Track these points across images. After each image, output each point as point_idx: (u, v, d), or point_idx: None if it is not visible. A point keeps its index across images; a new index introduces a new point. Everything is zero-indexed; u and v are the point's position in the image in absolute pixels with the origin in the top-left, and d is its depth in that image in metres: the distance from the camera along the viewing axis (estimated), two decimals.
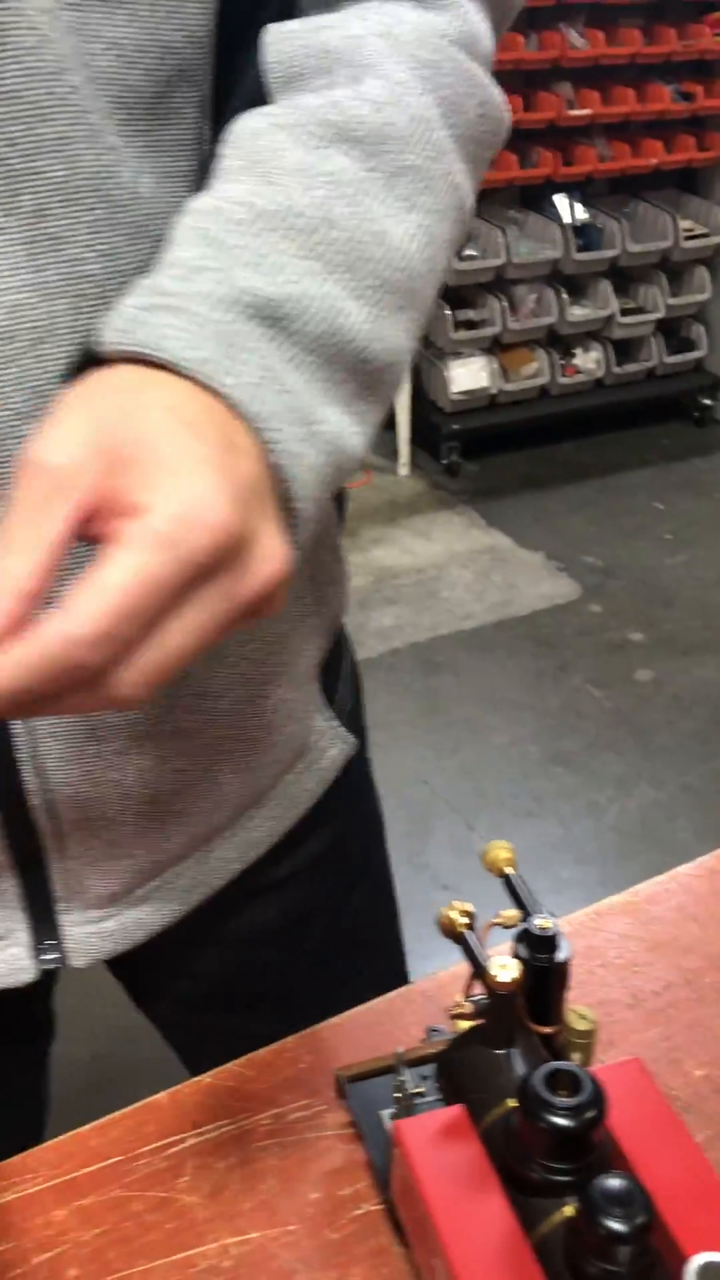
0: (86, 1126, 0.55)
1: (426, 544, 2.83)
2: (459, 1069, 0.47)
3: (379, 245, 0.43)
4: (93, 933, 0.57)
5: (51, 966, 0.57)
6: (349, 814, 0.69)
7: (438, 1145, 0.44)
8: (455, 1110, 0.45)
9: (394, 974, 0.76)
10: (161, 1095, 0.57)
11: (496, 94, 0.49)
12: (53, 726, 0.50)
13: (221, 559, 0.36)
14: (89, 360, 0.40)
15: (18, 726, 0.49)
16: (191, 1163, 0.54)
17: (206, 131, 0.49)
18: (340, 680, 0.67)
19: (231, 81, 0.49)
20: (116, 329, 0.39)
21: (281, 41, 0.47)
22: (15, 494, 0.37)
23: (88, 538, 0.37)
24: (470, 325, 3.06)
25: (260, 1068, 0.58)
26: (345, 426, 0.41)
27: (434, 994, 0.62)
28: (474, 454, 3.16)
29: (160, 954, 0.61)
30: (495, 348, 3.11)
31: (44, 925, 0.56)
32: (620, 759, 2.17)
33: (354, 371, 0.42)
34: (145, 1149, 0.54)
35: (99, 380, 0.39)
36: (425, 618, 2.55)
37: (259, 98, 0.47)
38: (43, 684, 0.34)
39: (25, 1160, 0.54)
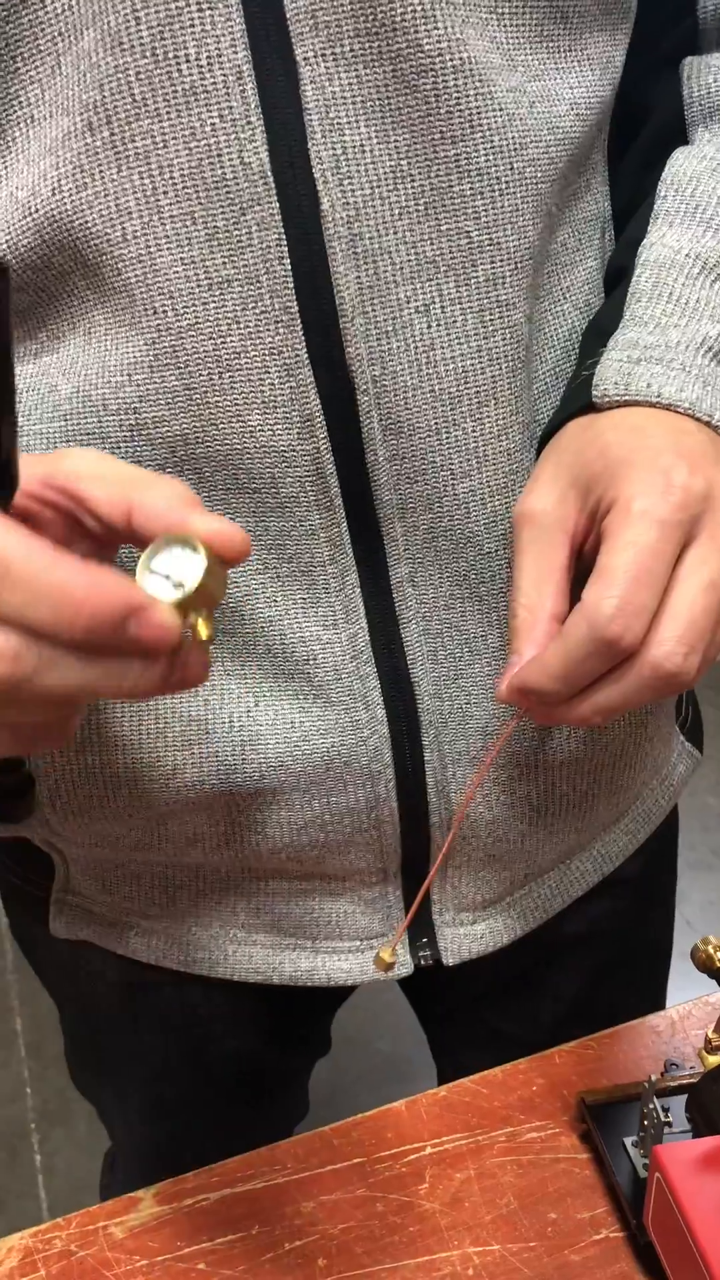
0: (328, 1127, 0.58)
1: None
2: (715, 1100, 0.48)
3: None
4: (464, 934, 0.59)
5: (426, 964, 0.60)
6: (664, 842, 0.71)
7: (700, 1172, 0.44)
8: (718, 1140, 0.45)
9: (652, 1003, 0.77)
10: (399, 1104, 0.59)
11: None
12: (458, 755, 0.53)
13: (697, 512, 0.42)
14: (568, 413, 0.48)
15: (431, 754, 0.53)
16: (430, 1171, 0.55)
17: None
18: (682, 694, 0.68)
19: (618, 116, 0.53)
20: (613, 381, 0.46)
21: (704, 75, 0.52)
22: (519, 541, 0.46)
23: (586, 551, 0.45)
24: None
25: (494, 1087, 0.59)
26: None
27: (663, 1030, 0.62)
28: None
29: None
30: None
31: (421, 927, 0.59)
32: None
33: None
34: (385, 1153, 0.56)
35: (579, 431, 0.46)
36: None
37: (675, 128, 0.52)
38: (581, 666, 0.41)
39: (273, 1152, 0.56)
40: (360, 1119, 0.58)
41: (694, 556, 0.43)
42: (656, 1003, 0.77)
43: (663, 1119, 0.49)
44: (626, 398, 0.46)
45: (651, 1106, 0.50)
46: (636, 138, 0.55)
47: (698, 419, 0.46)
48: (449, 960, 0.60)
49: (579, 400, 0.48)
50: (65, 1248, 0.53)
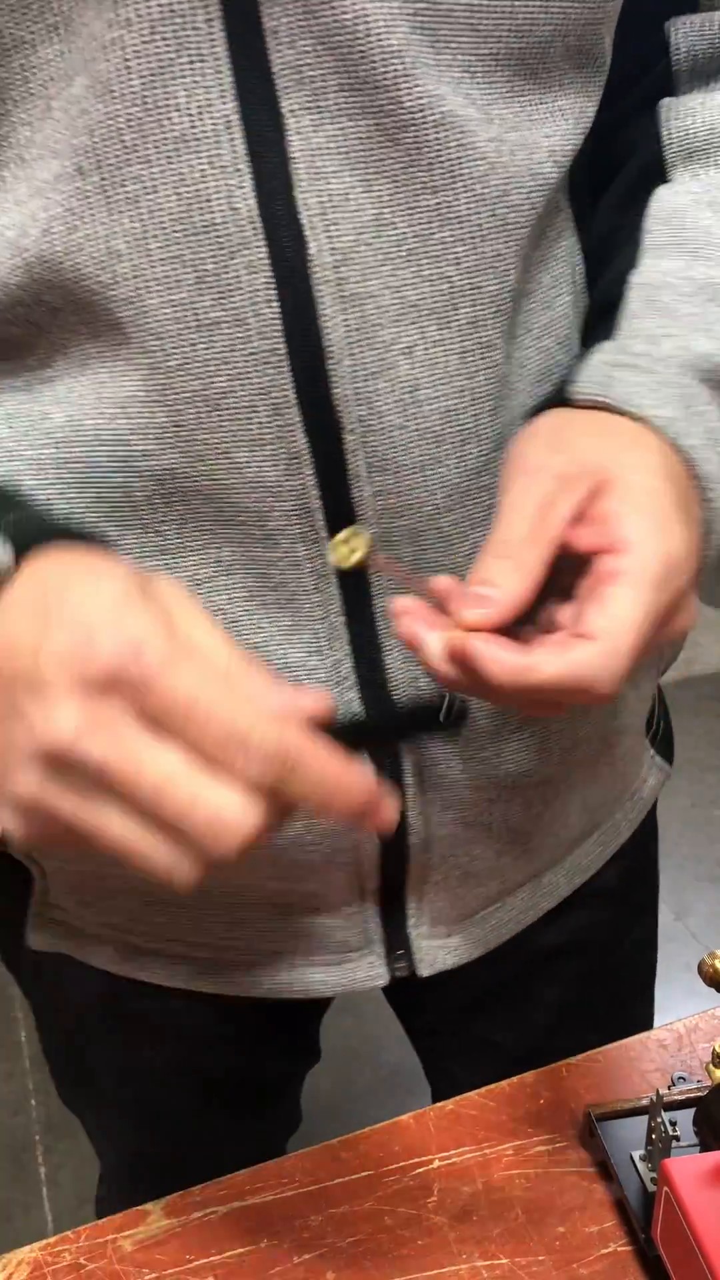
0: (335, 1140, 0.58)
1: None
2: None
3: None
4: (439, 946, 0.61)
5: (401, 974, 0.61)
6: (642, 852, 0.71)
7: (709, 1186, 0.44)
8: None
9: (641, 1018, 0.77)
10: (407, 1117, 0.59)
11: None
12: (439, 779, 0.54)
13: (682, 600, 0.42)
14: (548, 403, 0.47)
15: (409, 778, 0.53)
16: (438, 1184, 0.55)
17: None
18: (654, 707, 0.69)
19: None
20: (592, 381, 0.46)
21: (683, 117, 0.52)
22: (519, 489, 0.43)
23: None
24: None
25: (501, 1100, 0.59)
26: None
27: (670, 1044, 0.62)
28: None
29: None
30: None
31: (397, 939, 0.60)
32: None
33: None
34: (393, 1166, 0.56)
35: (571, 417, 0.45)
36: None
37: (653, 168, 0.52)
38: (556, 692, 0.40)
39: (281, 1165, 0.56)
40: (368, 1132, 0.58)
41: None
42: (646, 1008, 0.78)
43: (671, 1133, 0.50)
44: (600, 399, 0.45)
45: (660, 1120, 0.50)
46: (613, 176, 0.55)
47: (664, 438, 0.45)
48: (423, 971, 0.61)
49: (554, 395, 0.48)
50: (74, 1261, 0.53)
